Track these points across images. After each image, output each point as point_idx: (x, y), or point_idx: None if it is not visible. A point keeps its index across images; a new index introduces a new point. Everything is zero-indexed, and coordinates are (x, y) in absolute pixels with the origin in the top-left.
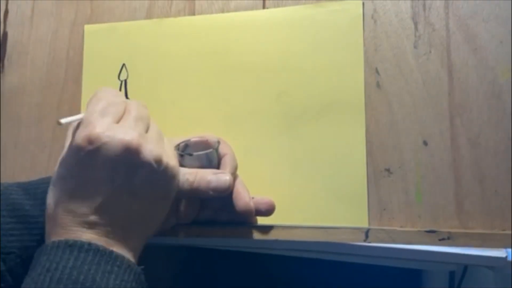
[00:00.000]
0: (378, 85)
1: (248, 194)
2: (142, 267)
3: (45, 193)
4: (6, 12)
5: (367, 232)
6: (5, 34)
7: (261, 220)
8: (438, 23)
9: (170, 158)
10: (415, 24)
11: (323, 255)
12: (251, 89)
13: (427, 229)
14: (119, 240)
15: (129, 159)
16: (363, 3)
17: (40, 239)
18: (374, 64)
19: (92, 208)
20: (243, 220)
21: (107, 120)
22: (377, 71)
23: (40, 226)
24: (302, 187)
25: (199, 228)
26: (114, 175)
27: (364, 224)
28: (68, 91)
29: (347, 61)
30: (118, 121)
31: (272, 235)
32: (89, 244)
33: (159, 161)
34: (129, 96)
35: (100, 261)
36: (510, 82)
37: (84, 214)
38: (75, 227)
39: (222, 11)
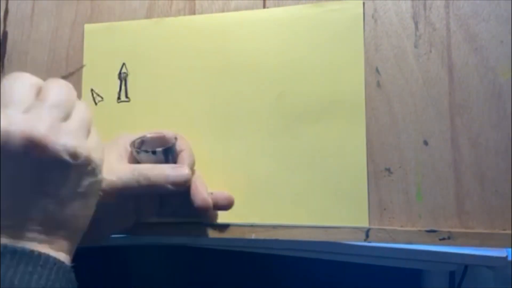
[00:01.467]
0: (378, 84)
1: (205, 190)
2: (73, 264)
3: None
4: (6, 11)
5: (367, 232)
6: (5, 33)
7: (262, 220)
8: (439, 23)
9: (93, 151)
10: (416, 23)
11: (323, 255)
12: (251, 89)
13: (428, 228)
14: (40, 242)
15: (35, 155)
16: (364, 3)
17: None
18: (374, 63)
19: (2, 209)
20: (202, 215)
21: (10, 110)
22: (377, 71)
23: None
24: (302, 187)
25: (198, 228)
26: (21, 173)
27: (365, 223)
28: None
29: (347, 61)
30: (26, 111)
31: (272, 235)
32: (5, 247)
33: (74, 155)
34: (129, 95)
35: (20, 262)
36: (511, 82)
37: None
38: None
39: (222, 11)
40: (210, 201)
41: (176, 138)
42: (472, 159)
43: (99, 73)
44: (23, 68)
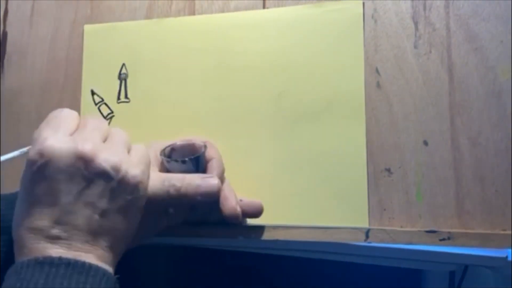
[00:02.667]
0: (378, 85)
1: (235, 198)
2: (118, 276)
3: None
4: (6, 12)
5: (367, 232)
6: (5, 34)
7: (262, 220)
8: (439, 23)
9: (134, 166)
10: (416, 23)
11: (323, 255)
12: (251, 89)
13: (428, 229)
14: (86, 252)
15: (83, 169)
16: (364, 3)
17: None
18: (374, 64)
19: (52, 221)
20: (231, 223)
21: (58, 133)
22: (377, 71)
23: None
24: (302, 187)
25: (199, 228)
26: (71, 186)
27: (364, 224)
28: (68, 91)
29: (347, 61)
30: (71, 134)
31: (272, 235)
32: (60, 258)
33: (117, 169)
34: (129, 96)
35: (73, 273)
36: (511, 82)
37: (45, 228)
38: (40, 244)
39: (222, 11)
40: (239, 210)
41: (205, 146)
42: (472, 159)
43: (99, 74)
44: (23, 68)
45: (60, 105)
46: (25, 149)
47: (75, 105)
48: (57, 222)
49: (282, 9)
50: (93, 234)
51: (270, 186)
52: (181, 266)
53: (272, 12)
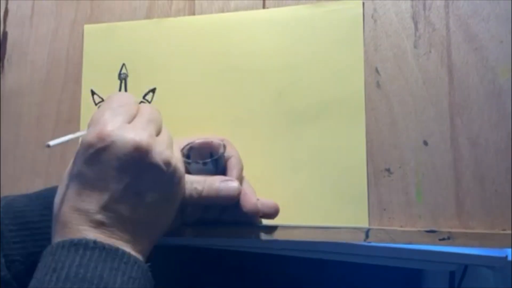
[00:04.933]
0: (378, 84)
1: (254, 196)
2: (149, 264)
3: (47, 198)
4: (6, 11)
5: (367, 232)
6: (5, 34)
7: (262, 220)
8: (438, 23)
9: (179, 162)
10: (415, 23)
11: (323, 255)
12: (251, 89)
13: (427, 229)
14: (125, 241)
15: (138, 160)
16: (363, 3)
17: (43, 246)
18: (374, 63)
19: (98, 206)
20: (248, 220)
21: (118, 119)
22: (377, 71)
23: (43, 232)
24: (302, 187)
25: (202, 228)
26: (123, 175)
27: (364, 224)
28: (68, 91)
29: (347, 61)
30: (130, 122)
31: (272, 235)
32: (95, 242)
33: (168, 164)
34: None
35: (107, 258)
36: (510, 82)
37: (91, 212)
38: (81, 226)
39: (222, 11)
40: (259, 207)
41: (224, 146)
42: (472, 159)
43: (99, 74)
44: (23, 68)
45: (60, 105)
46: (82, 132)
47: (75, 105)
48: (104, 208)
49: (282, 9)
50: (136, 224)
51: (270, 186)
52: (180, 266)
53: (272, 12)
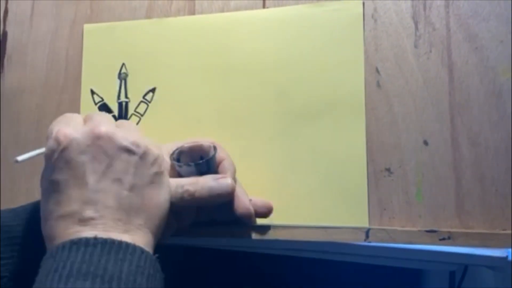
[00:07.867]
0: (378, 84)
1: (247, 198)
2: (157, 255)
3: (32, 213)
4: (6, 11)
5: (367, 232)
6: (5, 33)
7: (261, 220)
8: (439, 23)
9: (150, 143)
10: (416, 23)
11: (323, 255)
12: (251, 88)
13: (428, 228)
14: (123, 233)
15: (104, 146)
16: (364, 3)
17: (32, 261)
18: (374, 63)
19: (81, 202)
20: (242, 222)
21: (71, 124)
22: (377, 71)
23: (30, 247)
24: (302, 187)
25: (200, 228)
26: (94, 165)
27: (365, 223)
28: (68, 91)
29: (347, 61)
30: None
31: (272, 235)
32: (95, 238)
33: (136, 144)
34: (129, 95)
35: (110, 251)
36: (511, 82)
37: (76, 211)
38: (72, 229)
39: (222, 11)
40: (252, 209)
41: (215, 148)
42: (472, 159)
43: (98, 73)
44: (23, 68)
45: (60, 104)
46: (42, 150)
47: (75, 105)
48: (87, 203)
49: (282, 8)
50: (125, 211)
51: (270, 186)
52: (180, 266)
53: (272, 12)
